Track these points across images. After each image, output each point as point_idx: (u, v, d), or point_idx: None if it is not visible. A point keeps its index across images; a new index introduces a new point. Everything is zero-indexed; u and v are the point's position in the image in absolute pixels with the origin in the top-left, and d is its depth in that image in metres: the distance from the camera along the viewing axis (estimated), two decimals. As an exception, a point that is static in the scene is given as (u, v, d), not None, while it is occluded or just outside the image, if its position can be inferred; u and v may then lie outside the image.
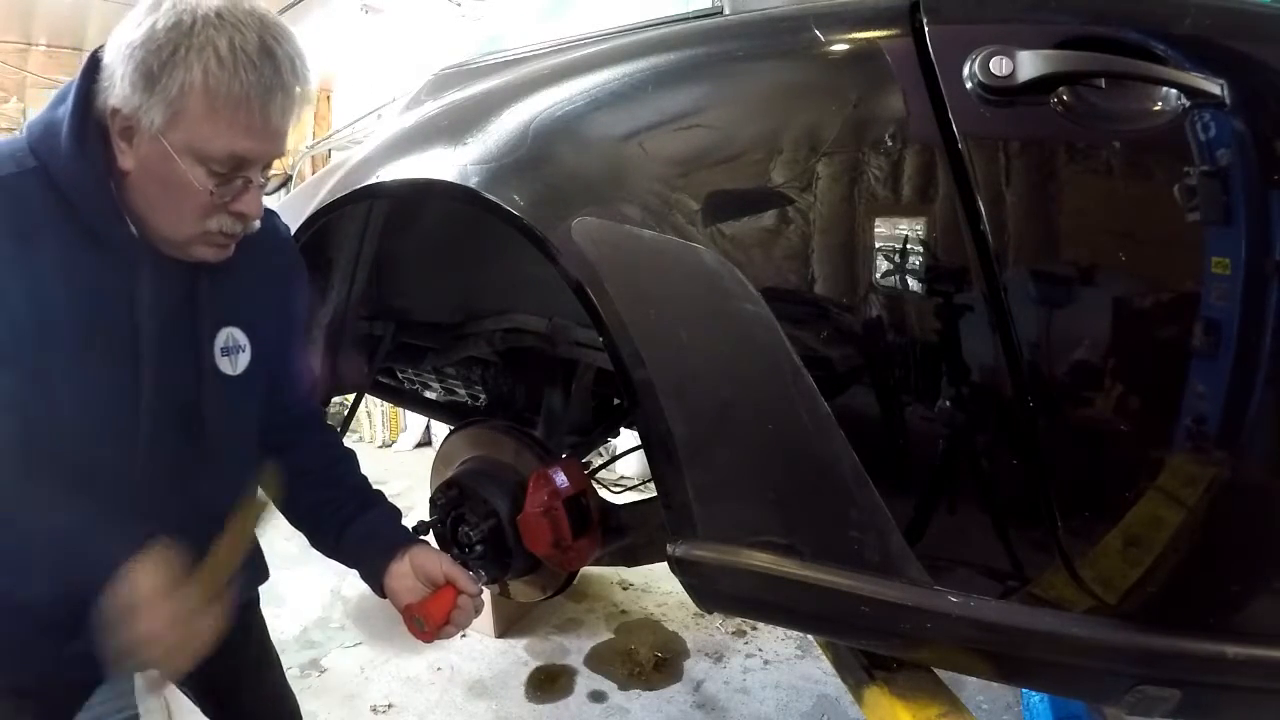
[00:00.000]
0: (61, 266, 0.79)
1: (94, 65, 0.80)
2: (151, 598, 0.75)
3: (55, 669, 0.90)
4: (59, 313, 0.80)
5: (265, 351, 0.98)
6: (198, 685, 1.17)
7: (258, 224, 0.88)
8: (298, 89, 0.82)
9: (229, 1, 0.78)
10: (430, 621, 0.97)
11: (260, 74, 0.77)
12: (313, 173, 3.52)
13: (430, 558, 1.00)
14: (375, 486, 1.10)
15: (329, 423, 1.21)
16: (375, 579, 1.02)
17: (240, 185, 0.83)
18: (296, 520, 1.07)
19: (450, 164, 0.99)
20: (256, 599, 1.20)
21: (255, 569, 1.12)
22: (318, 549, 1.07)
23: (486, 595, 2.37)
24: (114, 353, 0.84)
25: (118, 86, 0.77)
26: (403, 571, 0.99)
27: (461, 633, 1.03)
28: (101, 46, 0.82)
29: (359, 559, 1.04)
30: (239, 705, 1.19)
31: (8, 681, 0.90)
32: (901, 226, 0.81)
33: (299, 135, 4.97)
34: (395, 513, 1.09)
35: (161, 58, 0.75)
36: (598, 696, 2.26)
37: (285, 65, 0.80)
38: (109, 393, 0.85)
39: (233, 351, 0.94)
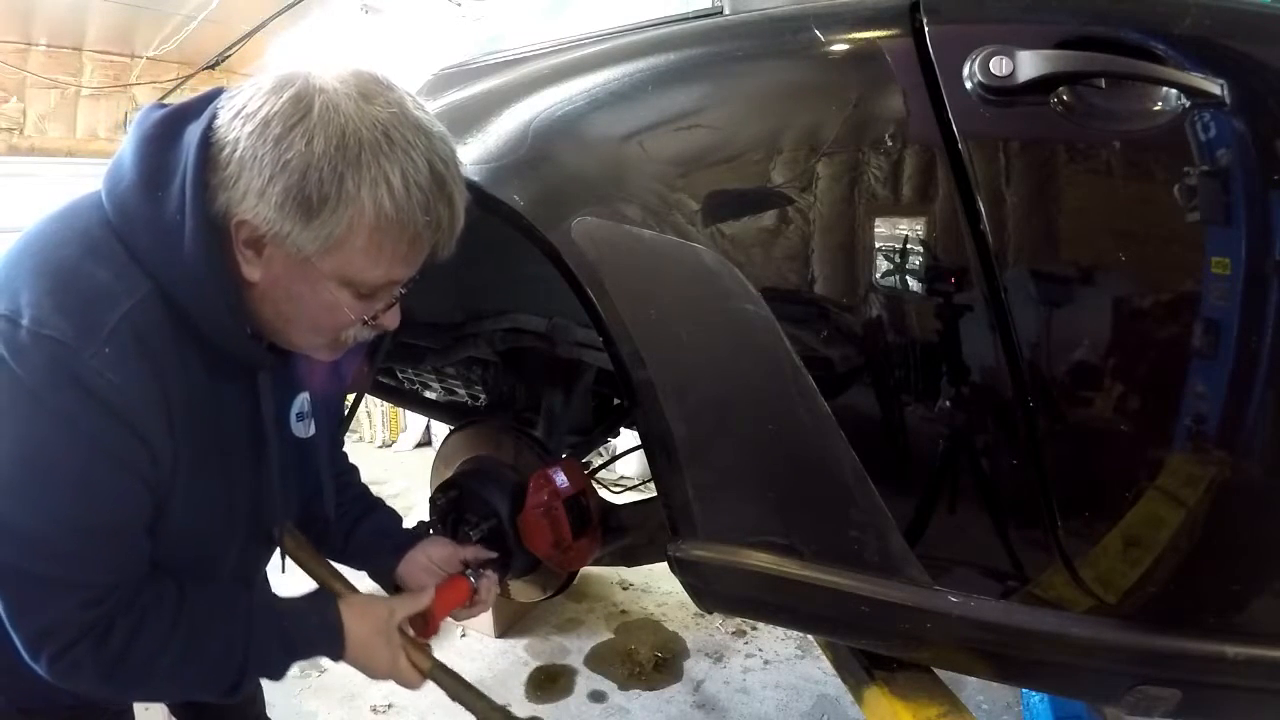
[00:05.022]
0: (192, 389, 0.73)
1: (205, 149, 0.67)
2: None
3: (70, 698, 0.88)
4: (194, 434, 0.74)
5: (327, 405, 0.97)
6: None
7: None
8: (460, 206, 0.74)
9: (389, 110, 0.68)
10: (440, 609, 1.03)
11: (432, 207, 0.70)
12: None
13: (440, 544, 1.09)
14: (375, 486, 1.17)
15: None
16: (385, 575, 1.09)
17: (386, 302, 0.77)
18: (303, 526, 1.10)
19: (450, 164, 0.98)
20: None
21: None
22: (323, 553, 1.11)
23: (486, 595, 2.38)
24: (243, 453, 0.82)
25: (252, 200, 0.66)
26: (417, 560, 1.07)
27: (462, 631, 1.09)
28: (187, 111, 0.70)
29: (368, 559, 1.11)
30: None
31: (14, 703, 0.88)
32: (901, 226, 0.81)
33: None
34: (397, 515, 1.16)
35: (324, 189, 0.65)
36: (598, 696, 2.26)
37: (451, 185, 0.72)
38: (239, 489, 0.83)
39: (306, 417, 0.92)
